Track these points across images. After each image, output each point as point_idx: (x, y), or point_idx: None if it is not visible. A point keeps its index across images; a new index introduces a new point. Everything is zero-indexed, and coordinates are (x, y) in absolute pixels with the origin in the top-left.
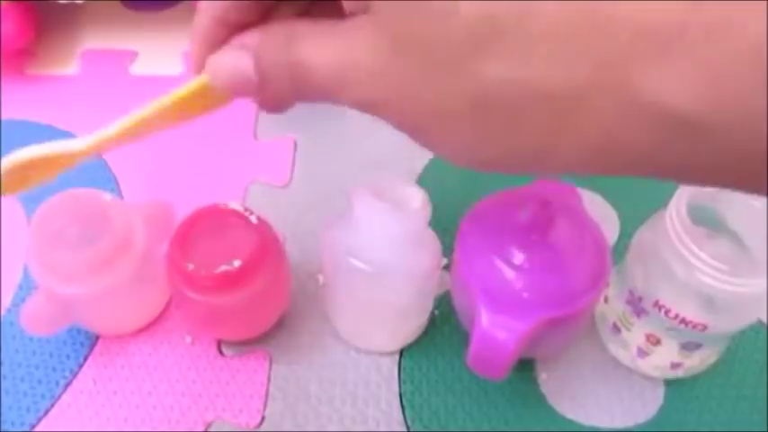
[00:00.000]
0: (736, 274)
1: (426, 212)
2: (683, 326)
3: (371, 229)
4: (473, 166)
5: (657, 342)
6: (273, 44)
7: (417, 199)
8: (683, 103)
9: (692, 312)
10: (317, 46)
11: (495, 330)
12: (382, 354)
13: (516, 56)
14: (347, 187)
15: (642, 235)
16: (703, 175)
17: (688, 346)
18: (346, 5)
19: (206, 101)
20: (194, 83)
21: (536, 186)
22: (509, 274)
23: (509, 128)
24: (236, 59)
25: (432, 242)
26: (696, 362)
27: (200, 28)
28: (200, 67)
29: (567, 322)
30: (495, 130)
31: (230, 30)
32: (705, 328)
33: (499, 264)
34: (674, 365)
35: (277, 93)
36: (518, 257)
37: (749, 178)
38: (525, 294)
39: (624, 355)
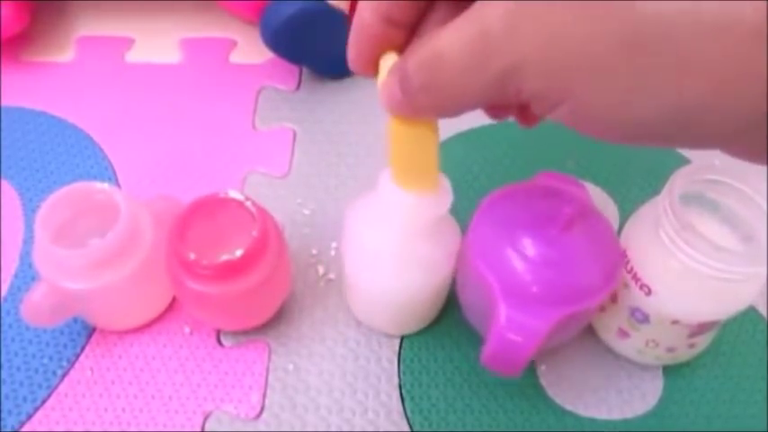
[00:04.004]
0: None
1: (448, 199)
2: (633, 282)
3: (393, 213)
4: (618, 135)
5: (614, 299)
6: (409, 55)
7: (441, 185)
8: None
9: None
10: (444, 37)
11: (515, 330)
12: (389, 336)
13: None
14: (347, 178)
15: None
16: None
17: (635, 314)
18: None
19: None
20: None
21: (543, 179)
22: (528, 271)
23: (671, 74)
24: (386, 82)
25: (452, 228)
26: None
27: (365, 26)
28: (364, 63)
29: (578, 317)
30: (654, 76)
31: (393, 28)
32: (650, 292)
33: (518, 261)
34: (649, 343)
35: (417, 100)
36: (538, 254)
37: None
38: (545, 292)
39: (608, 337)
